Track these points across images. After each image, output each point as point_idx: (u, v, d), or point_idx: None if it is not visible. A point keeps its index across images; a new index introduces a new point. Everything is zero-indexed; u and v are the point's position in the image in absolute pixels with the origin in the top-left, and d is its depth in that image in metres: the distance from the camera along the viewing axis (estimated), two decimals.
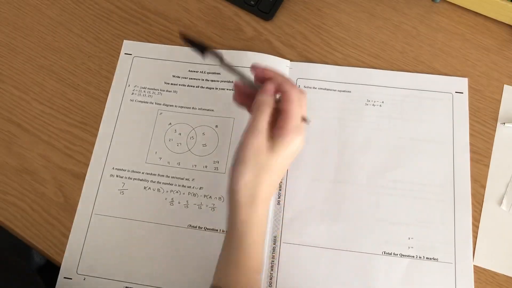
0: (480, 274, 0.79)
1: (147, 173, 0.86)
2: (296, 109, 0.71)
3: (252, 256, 0.71)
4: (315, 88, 0.90)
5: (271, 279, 0.79)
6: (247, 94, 0.77)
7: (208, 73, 0.93)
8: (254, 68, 0.76)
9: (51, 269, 0.86)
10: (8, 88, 0.93)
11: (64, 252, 0.83)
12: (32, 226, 0.84)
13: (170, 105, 0.91)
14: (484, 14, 0.94)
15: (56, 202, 0.86)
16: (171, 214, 0.84)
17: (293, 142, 0.70)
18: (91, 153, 0.88)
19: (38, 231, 0.84)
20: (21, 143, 0.90)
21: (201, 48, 0.77)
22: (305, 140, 0.73)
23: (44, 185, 0.87)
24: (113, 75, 0.94)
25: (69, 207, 0.85)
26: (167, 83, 0.92)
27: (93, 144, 0.89)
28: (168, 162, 0.87)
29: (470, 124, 0.87)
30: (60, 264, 0.82)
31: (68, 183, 0.87)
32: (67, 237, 0.83)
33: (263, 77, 0.75)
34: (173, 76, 0.93)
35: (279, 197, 0.84)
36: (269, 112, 0.71)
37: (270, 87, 0.72)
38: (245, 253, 0.70)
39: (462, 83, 0.90)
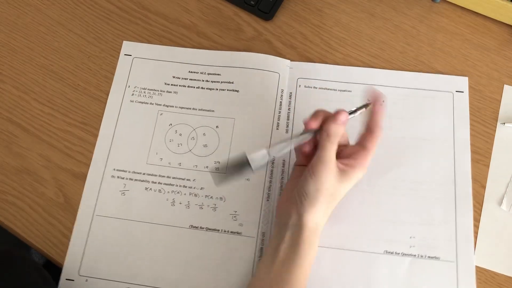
0: (480, 274, 0.79)
1: (148, 174, 0.86)
2: (375, 149, 0.74)
3: (306, 277, 0.73)
4: (316, 88, 0.90)
5: None
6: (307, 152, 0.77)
7: (208, 73, 0.93)
8: (310, 122, 0.75)
9: (50, 269, 0.86)
10: (8, 88, 0.93)
11: (64, 252, 0.82)
12: (32, 226, 0.84)
13: (171, 106, 0.90)
14: (484, 14, 0.95)
15: (56, 202, 0.86)
16: (173, 214, 0.84)
17: (360, 177, 0.74)
18: (91, 153, 0.88)
19: (38, 231, 0.84)
20: (21, 143, 0.89)
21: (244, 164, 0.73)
22: None
23: (44, 185, 0.87)
24: (113, 75, 0.94)
25: (69, 207, 0.85)
26: (167, 84, 0.92)
27: (93, 144, 0.89)
28: (169, 163, 0.87)
29: (470, 124, 0.88)
30: (60, 264, 0.82)
31: (68, 183, 0.87)
32: (67, 237, 0.83)
33: (317, 122, 0.75)
34: (173, 76, 0.93)
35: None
36: (337, 141, 0.73)
37: (342, 117, 0.72)
38: (303, 272, 0.72)
39: (462, 82, 0.91)
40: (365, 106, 0.76)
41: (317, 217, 0.72)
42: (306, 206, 0.72)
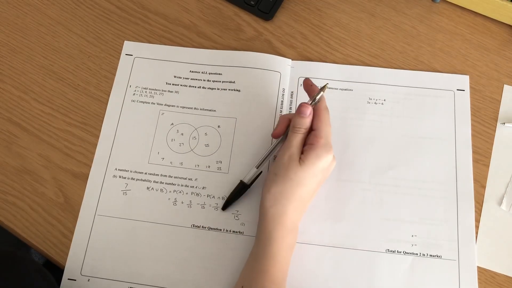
0: (480, 274, 0.79)
1: (150, 174, 0.86)
2: (325, 128, 0.77)
3: (276, 266, 0.73)
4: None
5: None
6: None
7: (209, 73, 0.93)
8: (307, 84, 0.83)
9: (49, 268, 0.85)
10: (8, 88, 0.93)
11: (64, 252, 0.82)
12: (32, 226, 0.84)
13: (172, 106, 0.91)
14: (484, 14, 0.95)
15: (56, 202, 0.85)
16: (175, 214, 0.83)
17: (322, 159, 0.75)
18: (91, 153, 0.88)
19: (38, 231, 0.84)
20: (21, 143, 0.89)
21: (241, 189, 0.83)
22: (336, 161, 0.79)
23: (44, 185, 0.87)
24: (113, 75, 0.94)
25: (69, 207, 0.85)
26: (168, 84, 0.92)
27: (93, 144, 0.89)
28: (171, 162, 0.87)
29: (471, 124, 0.88)
30: (60, 264, 0.82)
31: (68, 183, 0.87)
32: (68, 237, 0.83)
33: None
34: (174, 76, 0.93)
35: None
36: (303, 132, 0.77)
37: (304, 110, 0.77)
38: (270, 261, 0.73)
39: (463, 81, 0.91)
40: (321, 90, 0.80)
41: (277, 205, 0.75)
42: (265, 192, 0.77)
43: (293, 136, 0.76)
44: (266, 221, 0.74)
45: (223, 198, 0.84)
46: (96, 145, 0.89)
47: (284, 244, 0.74)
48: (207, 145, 0.87)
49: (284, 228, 0.74)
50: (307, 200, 0.78)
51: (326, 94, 0.79)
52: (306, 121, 0.77)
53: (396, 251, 0.80)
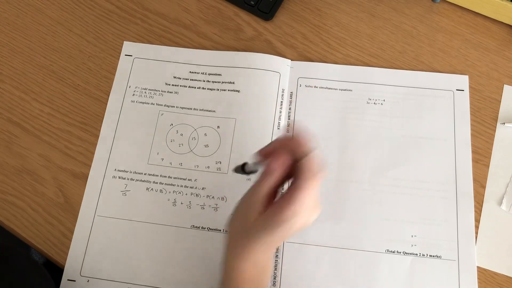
0: (480, 274, 0.79)
1: (150, 174, 0.86)
2: (302, 196, 0.62)
3: None
4: (316, 87, 0.91)
5: (274, 278, 0.79)
6: None
7: (209, 74, 0.93)
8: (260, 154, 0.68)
9: (49, 268, 0.86)
10: (8, 88, 0.93)
11: (64, 252, 0.83)
12: (32, 226, 0.84)
13: (171, 106, 0.90)
14: (484, 14, 0.95)
15: (56, 202, 0.86)
16: (174, 214, 0.84)
17: (290, 223, 0.62)
18: (91, 153, 0.88)
19: (38, 231, 0.84)
20: (21, 143, 0.89)
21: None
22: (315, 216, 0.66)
23: (44, 185, 0.87)
24: (113, 75, 0.94)
25: (69, 207, 0.85)
26: (168, 84, 0.92)
27: (93, 144, 0.89)
28: (170, 163, 0.87)
29: (470, 123, 0.88)
30: (60, 264, 0.82)
31: (68, 183, 0.87)
32: (68, 237, 0.83)
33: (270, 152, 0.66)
34: (174, 77, 0.93)
35: None
36: (273, 180, 0.64)
37: (280, 159, 0.63)
38: None
39: (462, 81, 0.91)
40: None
41: (236, 247, 0.66)
42: (227, 225, 0.70)
43: (262, 182, 0.65)
44: (226, 255, 0.68)
45: (222, 198, 0.84)
46: (96, 145, 0.89)
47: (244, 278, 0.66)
48: (206, 146, 0.87)
49: (246, 269, 0.65)
50: (275, 243, 0.66)
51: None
52: (277, 170, 0.64)
53: (395, 252, 0.80)
